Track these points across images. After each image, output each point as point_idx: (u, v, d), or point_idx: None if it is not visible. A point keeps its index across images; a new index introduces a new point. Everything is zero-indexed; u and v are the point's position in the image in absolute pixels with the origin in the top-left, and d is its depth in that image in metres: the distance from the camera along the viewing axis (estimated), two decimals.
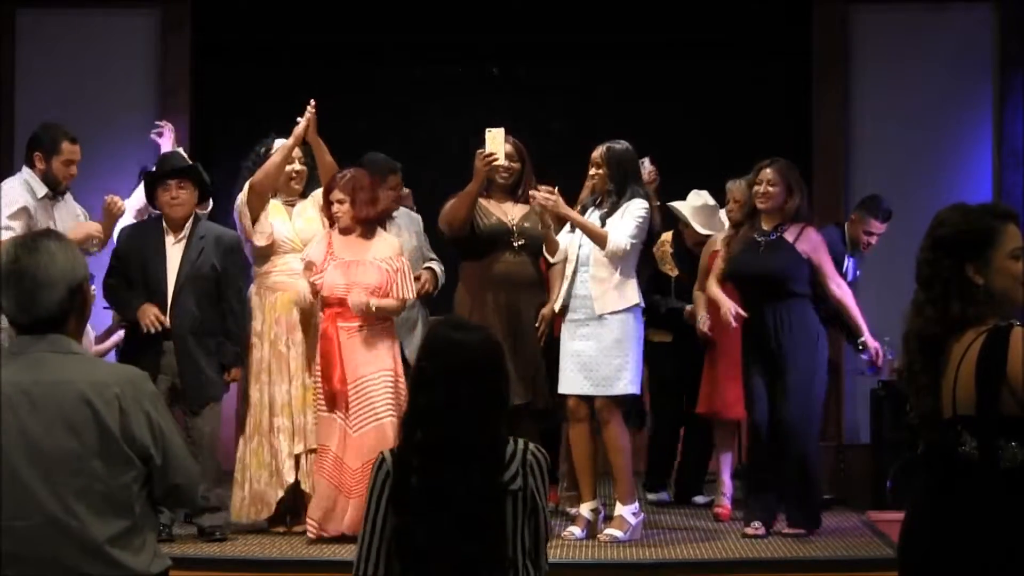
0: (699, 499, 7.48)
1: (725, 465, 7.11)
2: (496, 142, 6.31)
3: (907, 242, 8.72)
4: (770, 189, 6.46)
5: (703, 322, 6.90)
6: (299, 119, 6.52)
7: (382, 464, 3.23)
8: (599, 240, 6.27)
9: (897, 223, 8.38)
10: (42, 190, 6.42)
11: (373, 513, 3.22)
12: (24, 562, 3.01)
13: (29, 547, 3.00)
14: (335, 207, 6.32)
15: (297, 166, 6.64)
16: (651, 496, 7.51)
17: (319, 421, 6.27)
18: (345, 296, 6.21)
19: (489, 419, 3.21)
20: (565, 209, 6.32)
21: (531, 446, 3.26)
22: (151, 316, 6.23)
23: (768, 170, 6.49)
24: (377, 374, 6.23)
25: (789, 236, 6.46)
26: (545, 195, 6.25)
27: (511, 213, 6.51)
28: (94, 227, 6.32)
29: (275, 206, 6.65)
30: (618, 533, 6.28)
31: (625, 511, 6.33)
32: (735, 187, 7.04)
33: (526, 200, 6.46)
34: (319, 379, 6.26)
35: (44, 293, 3.07)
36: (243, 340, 6.45)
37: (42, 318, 3.08)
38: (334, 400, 6.17)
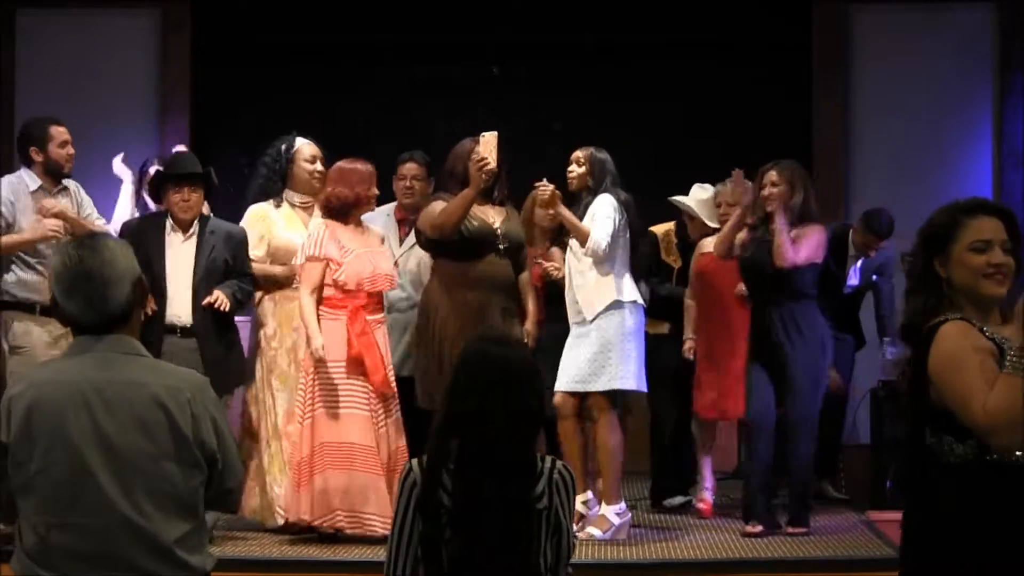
0: (673, 501, 7.34)
1: (706, 461, 7.09)
2: (489, 146, 6.33)
3: (907, 242, 8.77)
4: (773, 190, 6.48)
5: (687, 346, 7.02)
6: None
7: (409, 473, 3.26)
8: (582, 237, 6.32)
9: (897, 223, 8.39)
10: (35, 183, 6.45)
11: (400, 521, 3.25)
12: (88, 559, 3.00)
13: (95, 545, 3.00)
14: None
15: (319, 167, 6.66)
16: (668, 503, 7.30)
17: (341, 418, 6.16)
18: (373, 287, 6.23)
19: (521, 433, 3.23)
20: (561, 209, 6.38)
21: (558, 464, 3.28)
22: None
23: (772, 171, 6.53)
24: (391, 368, 6.32)
25: (792, 234, 6.45)
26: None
27: (491, 216, 6.51)
28: (52, 224, 6.30)
29: (288, 215, 6.67)
30: (596, 532, 6.27)
31: (608, 511, 6.34)
32: (724, 191, 7.04)
33: (502, 203, 6.55)
34: (333, 374, 6.19)
35: (114, 290, 3.07)
36: (240, 300, 6.43)
37: (114, 315, 3.09)
38: (371, 396, 6.15)
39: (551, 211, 6.46)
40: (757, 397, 6.48)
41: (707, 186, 7.36)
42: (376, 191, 6.40)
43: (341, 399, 6.16)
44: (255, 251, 6.59)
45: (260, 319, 6.62)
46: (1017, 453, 3.05)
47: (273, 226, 6.63)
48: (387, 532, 5.94)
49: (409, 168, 7.06)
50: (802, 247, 6.40)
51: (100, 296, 3.07)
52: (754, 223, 6.58)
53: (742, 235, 6.58)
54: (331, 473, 6.11)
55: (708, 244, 7.09)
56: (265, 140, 6.86)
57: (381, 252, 6.34)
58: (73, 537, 3.00)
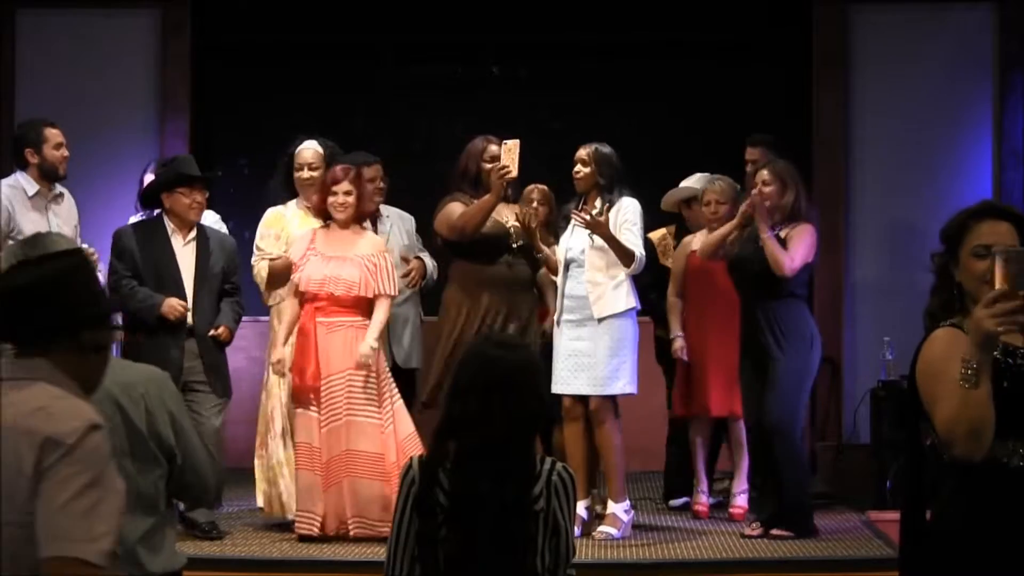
0: (677, 502, 7.35)
1: (701, 463, 7.08)
2: (511, 155, 6.33)
3: (906, 242, 8.78)
4: (765, 189, 6.47)
5: (680, 348, 6.96)
6: None
7: (408, 470, 3.28)
8: (627, 259, 6.28)
9: (897, 222, 8.40)
10: (33, 188, 6.46)
11: (399, 519, 3.27)
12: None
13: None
14: (340, 198, 6.28)
15: (307, 173, 6.69)
16: (672, 503, 7.32)
17: (296, 417, 6.28)
18: (320, 291, 6.23)
19: (521, 434, 3.24)
20: (605, 230, 6.30)
21: (558, 466, 3.29)
22: (178, 307, 6.24)
23: (764, 171, 6.53)
24: (352, 371, 6.21)
25: (783, 233, 6.45)
26: (589, 218, 6.25)
27: (504, 215, 6.54)
28: None
29: (303, 218, 6.69)
30: (613, 531, 6.31)
31: (617, 509, 6.37)
32: (711, 188, 7.04)
33: (515, 200, 6.55)
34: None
35: None
36: (238, 322, 6.51)
37: None
38: (306, 397, 6.19)
39: (601, 235, 6.32)
40: (749, 400, 6.48)
41: (700, 175, 7.33)
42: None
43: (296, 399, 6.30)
44: (274, 250, 6.63)
45: (275, 318, 6.66)
46: (1003, 456, 3.06)
47: (288, 225, 6.68)
48: (307, 532, 6.06)
49: (370, 170, 6.85)
50: (797, 251, 6.37)
51: None
52: (743, 222, 6.56)
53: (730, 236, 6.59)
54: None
55: (695, 242, 7.09)
56: (265, 140, 6.87)
57: (351, 258, 6.25)
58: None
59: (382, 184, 6.91)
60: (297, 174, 6.71)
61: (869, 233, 8.48)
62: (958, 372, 2.92)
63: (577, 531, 6.28)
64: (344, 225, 6.33)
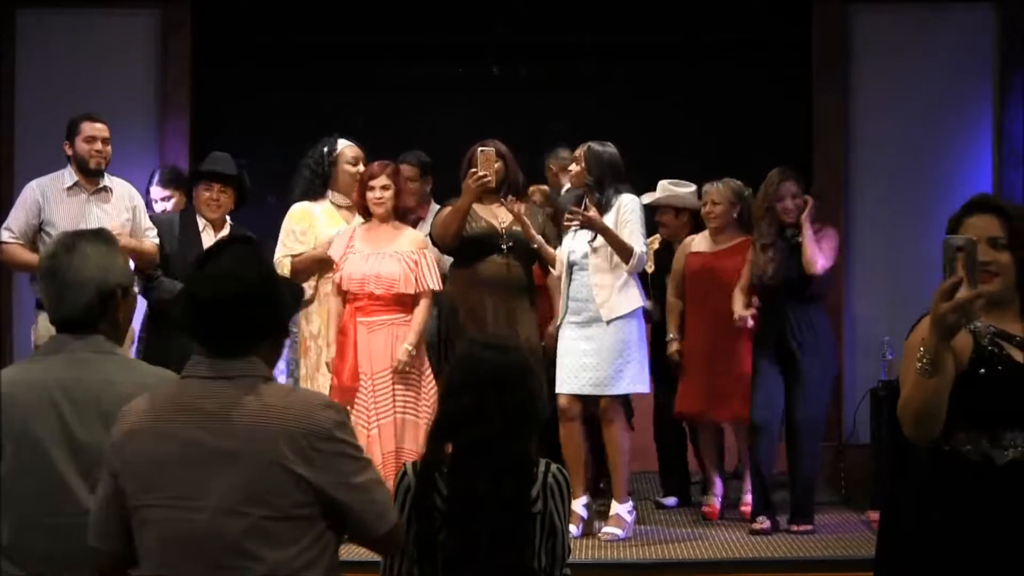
0: (669, 501, 7.36)
1: (713, 464, 7.10)
2: (489, 163, 6.34)
3: (906, 241, 8.77)
4: (798, 201, 6.58)
5: (673, 348, 7.03)
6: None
7: (403, 477, 3.27)
8: (625, 254, 6.28)
9: (896, 222, 8.40)
10: (71, 180, 6.51)
11: None
12: (61, 560, 2.99)
13: (66, 544, 2.98)
14: (377, 193, 6.30)
15: (362, 167, 6.66)
16: (667, 503, 7.33)
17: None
18: (360, 290, 6.22)
19: (516, 432, 3.23)
20: (601, 223, 6.29)
21: (553, 467, 3.29)
22: None
23: (790, 183, 6.57)
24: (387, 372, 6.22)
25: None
26: (582, 217, 6.24)
27: (500, 215, 6.53)
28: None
29: (330, 213, 6.68)
30: (617, 531, 6.32)
31: (621, 509, 6.38)
32: (713, 189, 7.05)
33: (514, 197, 6.53)
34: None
35: (71, 293, 3.07)
36: None
37: (69, 318, 3.08)
38: (344, 398, 6.14)
39: (593, 227, 6.32)
40: (766, 398, 6.50)
41: (680, 182, 7.34)
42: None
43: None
44: (299, 246, 6.61)
45: (304, 316, 6.63)
46: (967, 447, 3.13)
47: (316, 223, 6.66)
48: None
49: (403, 169, 7.02)
50: (827, 252, 6.54)
51: (56, 296, 3.08)
52: (771, 240, 6.57)
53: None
54: None
55: (695, 243, 7.10)
56: (265, 140, 6.86)
57: (391, 255, 6.27)
58: (46, 537, 2.99)
59: (418, 184, 6.98)
60: (347, 168, 6.70)
61: (869, 233, 8.48)
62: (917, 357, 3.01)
63: (577, 530, 6.29)
64: (383, 220, 6.33)
